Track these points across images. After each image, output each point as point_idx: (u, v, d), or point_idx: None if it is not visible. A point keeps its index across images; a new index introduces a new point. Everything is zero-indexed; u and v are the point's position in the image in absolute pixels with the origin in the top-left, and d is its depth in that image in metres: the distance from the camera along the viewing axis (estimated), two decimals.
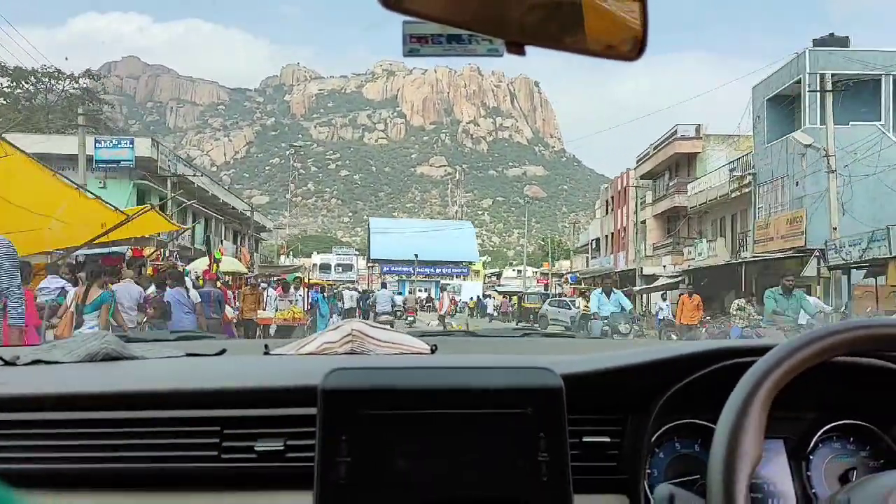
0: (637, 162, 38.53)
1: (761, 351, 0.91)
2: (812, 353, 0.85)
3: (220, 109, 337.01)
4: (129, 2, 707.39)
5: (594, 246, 48.86)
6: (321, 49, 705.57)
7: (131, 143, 26.70)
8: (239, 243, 39.28)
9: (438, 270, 62.32)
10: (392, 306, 21.60)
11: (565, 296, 38.07)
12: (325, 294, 21.09)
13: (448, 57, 0.76)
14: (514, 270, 79.61)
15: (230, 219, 39.34)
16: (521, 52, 0.66)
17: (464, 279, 62.62)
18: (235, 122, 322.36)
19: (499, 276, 71.89)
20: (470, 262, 67.08)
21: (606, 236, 44.86)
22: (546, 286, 53.64)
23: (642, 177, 37.51)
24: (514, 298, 43.19)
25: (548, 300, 34.03)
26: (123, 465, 1.05)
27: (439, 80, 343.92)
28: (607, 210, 45.13)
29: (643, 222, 36.69)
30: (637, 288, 33.13)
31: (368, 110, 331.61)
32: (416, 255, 54.06)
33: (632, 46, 0.68)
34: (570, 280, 49.52)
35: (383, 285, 23.55)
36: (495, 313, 41.81)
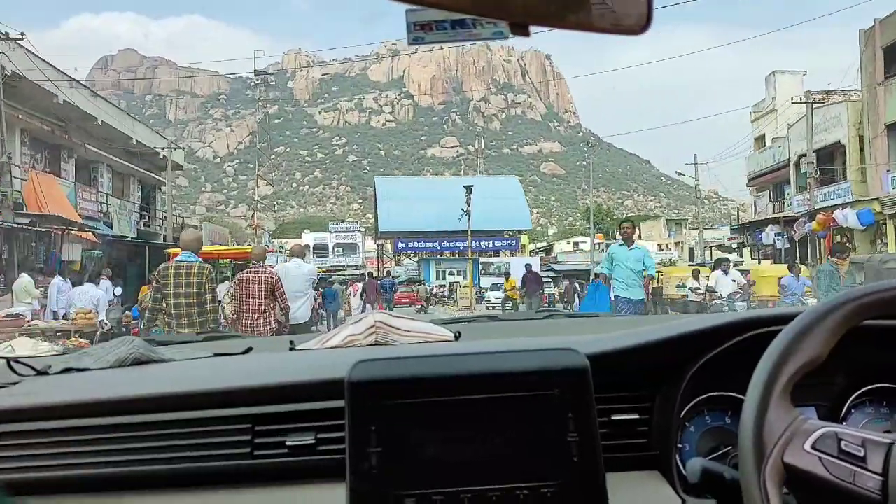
0: None
1: (787, 319, 0.88)
2: (837, 320, 0.82)
3: (221, 100, 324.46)
4: (123, 2, 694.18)
5: (816, 162, 24.82)
6: (323, 36, 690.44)
7: None
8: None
9: (476, 244, 40.99)
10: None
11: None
12: None
13: (454, 42, 0.75)
14: (568, 244, 64.44)
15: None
16: (526, 34, 0.65)
17: (512, 255, 44.03)
18: (237, 112, 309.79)
19: (548, 251, 55.71)
20: (520, 231, 47.51)
21: (890, 126, 22.20)
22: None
23: None
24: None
25: None
26: (159, 466, 1.07)
27: (446, 57, 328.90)
28: (876, 77, 22.64)
29: None
30: None
31: (374, 93, 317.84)
32: (467, 193, 32.29)
33: (637, 20, 0.65)
34: (861, 220, 22.12)
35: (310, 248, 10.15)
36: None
